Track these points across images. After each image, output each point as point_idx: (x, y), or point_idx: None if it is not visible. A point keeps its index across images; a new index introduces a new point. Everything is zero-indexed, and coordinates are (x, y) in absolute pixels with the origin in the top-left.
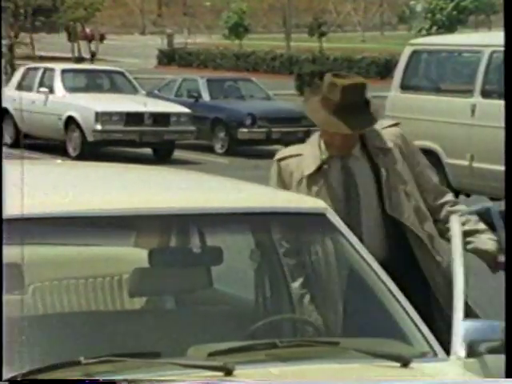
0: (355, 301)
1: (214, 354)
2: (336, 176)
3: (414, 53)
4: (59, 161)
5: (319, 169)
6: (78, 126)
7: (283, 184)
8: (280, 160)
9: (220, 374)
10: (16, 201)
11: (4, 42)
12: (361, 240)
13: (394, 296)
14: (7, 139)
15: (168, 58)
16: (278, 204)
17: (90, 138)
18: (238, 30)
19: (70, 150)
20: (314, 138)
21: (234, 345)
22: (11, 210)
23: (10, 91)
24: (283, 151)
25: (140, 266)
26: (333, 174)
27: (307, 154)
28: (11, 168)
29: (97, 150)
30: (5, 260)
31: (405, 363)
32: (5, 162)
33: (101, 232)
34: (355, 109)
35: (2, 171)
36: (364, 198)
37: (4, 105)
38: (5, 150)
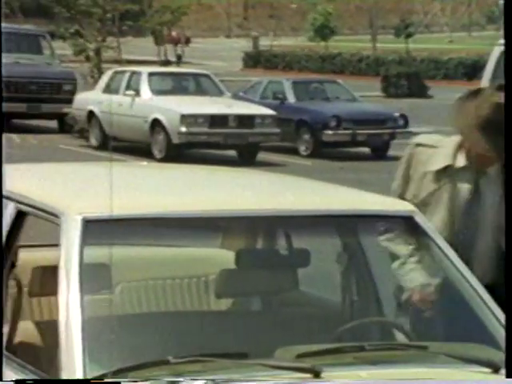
0: (444, 305)
1: (303, 355)
2: (463, 187)
3: (504, 53)
4: (145, 163)
5: (445, 169)
6: (164, 128)
7: (409, 169)
8: (417, 145)
9: (308, 375)
10: (105, 202)
11: (91, 45)
12: (470, 258)
13: (484, 302)
14: (94, 142)
15: (253, 60)
16: (366, 206)
17: (175, 140)
18: (323, 31)
19: (156, 152)
20: (455, 138)
21: (322, 347)
22: (100, 211)
23: (96, 94)
24: (422, 137)
25: (227, 267)
26: (460, 184)
27: (441, 150)
28: (99, 170)
29: (182, 152)
30: (93, 260)
31: (495, 369)
32: (92, 164)
33: (188, 233)
34: (502, 128)
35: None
36: (484, 218)
37: (91, 108)
38: (92, 152)
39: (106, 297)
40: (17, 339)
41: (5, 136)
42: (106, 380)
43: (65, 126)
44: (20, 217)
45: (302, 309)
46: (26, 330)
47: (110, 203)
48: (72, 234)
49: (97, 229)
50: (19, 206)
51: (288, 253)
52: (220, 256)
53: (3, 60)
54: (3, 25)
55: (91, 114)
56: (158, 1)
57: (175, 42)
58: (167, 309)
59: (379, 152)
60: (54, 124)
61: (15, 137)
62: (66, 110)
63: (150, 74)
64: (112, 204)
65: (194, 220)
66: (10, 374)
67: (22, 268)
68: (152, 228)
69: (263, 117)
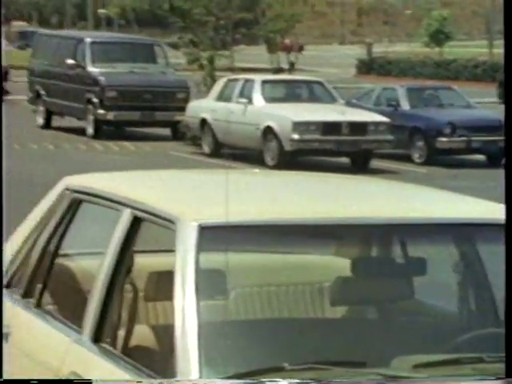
0: None
1: (419, 365)
2: None
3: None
4: (257, 170)
5: None
6: (276, 135)
7: None
8: None
9: None
10: (220, 209)
11: (205, 54)
12: None
13: None
14: (206, 149)
15: (367, 66)
16: (483, 215)
17: (287, 148)
18: (438, 37)
19: (268, 160)
20: None
21: (439, 357)
22: (215, 217)
23: (209, 102)
24: None
25: (342, 274)
26: None
27: None
28: (214, 177)
29: (294, 159)
30: (209, 266)
31: None
32: (207, 171)
33: (302, 240)
34: None
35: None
36: None
37: (204, 115)
38: (204, 159)
39: (221, 302)
40: (132, 342)
41: (119, 144)
42: (110, 380)
43: (178, 133)
44: (136, 222)
45: (418, 318)
46: (142, 334)
47: (225, 210)
48: (188, 240)
49: (212, 235)
50: (135, 211)
51: (404, 261)
52: (335, 263)
53: (118, 69)
54: (119, 35)
55: (204, 121)
56: (271, 9)
57: (288, 49)
58: (281, 315)
59: (494, 159)
60: (167, 131)
61: (129, 144)
62: (179, 117)
63: (263, 82)
64: (227, 211)
65: (309, 227)
66: (126, 376)
67: (138, 273)
68: (266, 234)
69: (376, 124)
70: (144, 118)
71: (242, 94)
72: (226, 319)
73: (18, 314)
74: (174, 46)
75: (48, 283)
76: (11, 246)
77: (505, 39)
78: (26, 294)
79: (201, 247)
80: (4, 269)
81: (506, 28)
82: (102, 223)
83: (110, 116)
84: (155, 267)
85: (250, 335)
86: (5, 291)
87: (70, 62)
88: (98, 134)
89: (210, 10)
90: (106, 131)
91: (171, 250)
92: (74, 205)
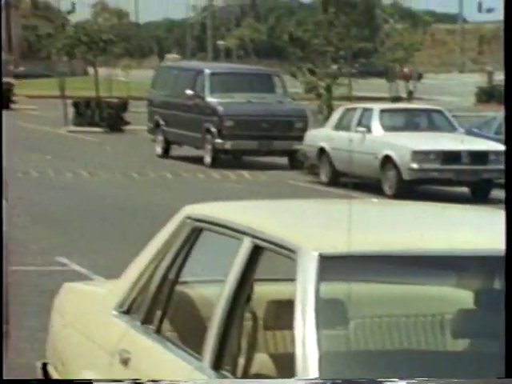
0: None
1: None
2: None
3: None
4: (375, 199)
5: None
6: (395, 164)
7: None
8: None
9: None
10: (340, 238)
11: (323, 83)
12: None
13: None
14: (323, 178)
15: (487, 95)
16: None
17: (405, 177)
18: None
19: (386, 189)
20: None
21: None
22: (336, 247)
23: (327, 131)
24: None
25: (464, 306)
26: None
27: None
28: (334, 207)
29: (412, 188)
30: (329, 296)
31: None
32: (327, 201)
33: (423, 271)
34: None
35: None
36: None
37: (321, 144)
38: (321, 188)
39: (341, 332)
40: (253, 370)
41: (236, 172)
42: (106, 380)
43: (295, 162)
44: (256, 251)
45: None
46: (262, 362)
47: (345, 240)
48: (308, 270)
49: (333, 265)
50: (255, 240)
51: None
52: (456, 295)
53: (237, 99)
54: (238, 66)
55: (322, 150)
56: (390, 38)
57: (407, 78)
58: (402, 346)
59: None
60: (284, 160)
61: (247, 173)
62: (297, 146)
63: (382, 111)
64: (349, 241)
65: (430, 258)
66: None
67: (258, 301)
68: (387, 265)
69: (498, 153)
70: (261, 147)
71: (360, 123)
72: (346, 349)
73: (137, 340)
74: (292, 76)
75: (168, 310)
76: (131, 273)
77: (505, 39)
78: (146, 320)
79: (321, 277)
80: (123, 291)
81: (506, 28)
82: (222, 251)
83: (228, 145)
84: (275, 296)
85: (371, 366)
86: (125, 317)
87: (190, 92)
88: (216, 163)
89: (329, 40)
90: (223, 160)
91: (291, 279)
92: (194, 233)
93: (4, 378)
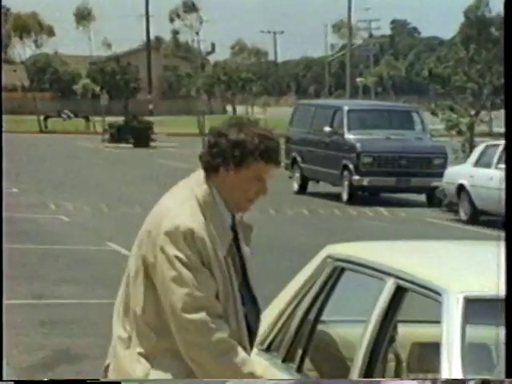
0: None
1: None
2: None
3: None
4: None
5: None
6: None
7: None
8: None
9: None
10: (485, 281)
11: (464, 120)
12: None
13: None
14: (463, 215)
15: None
16: None
17: None
18: None
19: None
20: None
21: None
22: (482, 290)
23: (468, 168)
24: None
25: None
26: None
27: None
28: (479, 248)
29: None
30: (475, 340)
31: None
32: (471, 242)
33: None
34: None
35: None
36: None
37: (461, 181)
38: (460, 226)
39: (487, 377)
40: None
41: (374, 209)
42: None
43: (434, 199)
44: (399, 292)
45: None
46: None
47: (491, 282)
48: (453, 312)
49: (478, 308)
50: (399, 281)
51: None
52: None
53: (375, 136)
54: (376, 102)
55: (461, 187)
56: None
57: None
58: None
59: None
60: (422, 198)
61: (384, 210)
62: (435, 183)
63: None
64: (499, 284)
65: None
66: None
67: (401, 343)
68: None
69: None
70: (399, 184)
71: (501, 160)
72: None
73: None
74: (433, 113)
75: (309, 349)
76: (273, 311)
77: (505, 41)
78: (287, 359)
79: (467, 320)
80: (264, 329)
81: (506, 28)
82: (365, 292)
83: (365, 182)
84: (418, 338)
85: None
86: (266, 355)
87: (328, 129)
88: (353, 200)
89: (470, 76)
90: (360, 197)
91: (435, 321)
92: (336, 272)
93: (4, 378)
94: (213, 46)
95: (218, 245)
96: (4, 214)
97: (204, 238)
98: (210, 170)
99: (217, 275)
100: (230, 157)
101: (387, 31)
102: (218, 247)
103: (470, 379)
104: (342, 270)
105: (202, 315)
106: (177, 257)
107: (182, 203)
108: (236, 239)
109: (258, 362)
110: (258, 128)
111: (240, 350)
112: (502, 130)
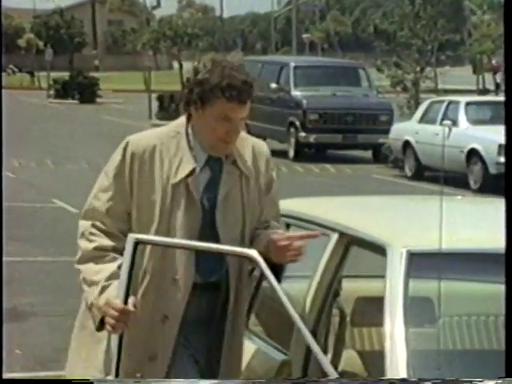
0: None
1: None
2: None
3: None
4: (459, 197)
5: None
6: (481, 158)
7: None
8: None
9: None
10: (429, 235)
11: (409, 76)
12: None
13: None
14: (408, 172)
15: None
16: None
17: (492, 171)
18: None
19: (471, 183)
20: None
21: None
22: (425, 244)
23: (413, 124)
24: None
25: None
26: None
27: None
28: (419, 203)
29: (499, 182)
30: (417, 293)
31: None
32: (412, 198)
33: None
34: None
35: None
36: None
37: (407, 138)
38: (405, 182)
39: (429, 331)
40: (340, 367)
41: (320, 166)
42: (107, 379)
43: (380, 156)
44: (344, 247)
45: None
46: (349, 359)
47: (435, 236)
48: (397, 267)
49: (421, 262)
50: (343, 236)
51: None
52: None
53: (321, 92)
54: (323, 59)
55: (407, 143)
56: (478, 29)
57: (495, 70)
58: (491, 347)
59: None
60: (368, 154)
61: (330, 167)
62: (381, 140)
63: (468, 104)
64: (441, 238)
65: None
66: None
67: (346, 298)
68: (475, 263)
69: None
70: (346, 141)
71: (445, 116)
72: (434, 348)
73: None
74: (378, 69)
75: (254, 305)
76: None
77: (505, 41)
78: None
79: (410, 274)
80: None
81: (506, 29)
82: (310, 247)
83: (312, 139)
84: (363, 292)
85: (460, 365)
86: None
87: (274, 85)
88: (300, 157)
89: (415, 32)
90: (307, 154)
91: (379, 276)
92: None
93: (4, 378)
94: (158, 0)
95: (170, 174)
96: None
97: (148, 159)
98: (187, 112)
99: (152, 199)
100: (196, 96)
101: None
102: (171, 176)
103: (471, 379)
104: (288, 226)
105: (86, 224)
106: (109, 165)
107: (153, 130)
108: (213, 180)
109: None
110: (228, 67)
111: (105, 268)
112: (447, 86)
